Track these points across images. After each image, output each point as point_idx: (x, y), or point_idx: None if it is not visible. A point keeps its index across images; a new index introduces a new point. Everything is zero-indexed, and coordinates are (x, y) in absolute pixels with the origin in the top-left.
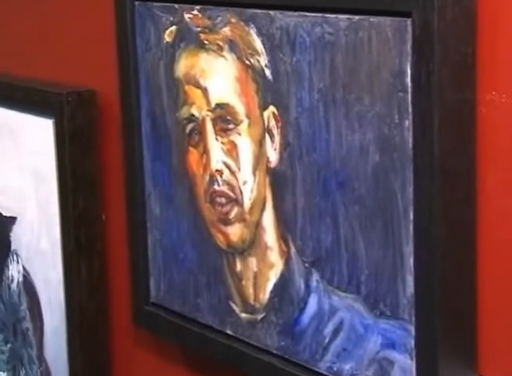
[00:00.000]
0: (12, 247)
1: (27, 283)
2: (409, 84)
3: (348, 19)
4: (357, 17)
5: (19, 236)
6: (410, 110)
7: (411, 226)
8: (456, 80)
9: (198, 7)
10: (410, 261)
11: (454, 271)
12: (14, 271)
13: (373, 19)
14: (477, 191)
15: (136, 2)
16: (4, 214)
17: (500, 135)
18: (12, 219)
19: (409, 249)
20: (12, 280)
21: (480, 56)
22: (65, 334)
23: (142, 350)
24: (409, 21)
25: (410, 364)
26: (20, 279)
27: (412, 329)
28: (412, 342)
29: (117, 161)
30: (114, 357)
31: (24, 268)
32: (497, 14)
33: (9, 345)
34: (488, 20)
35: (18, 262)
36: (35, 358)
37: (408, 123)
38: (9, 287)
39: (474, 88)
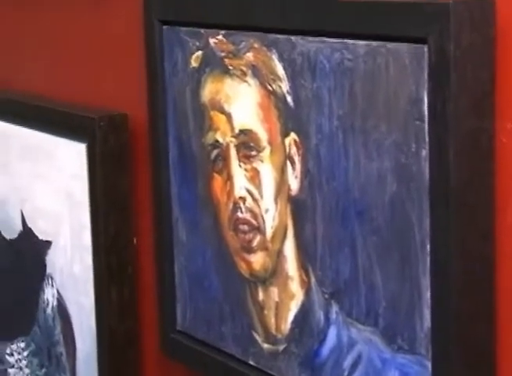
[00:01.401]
0: (48, 271)
1: (61, 308)
2: (426, 112)
3: (367, 45)
4: (375, 43)
5: (54, 261)
6: (427, 139)
7: (428, 259)
8: (473, 108)
9: (223, 32)
10: (427, 294)
11: (471, 305)
12: (49, 295)
13: (390, 45)
14: (495, 224)
15: (164, 27)
16: (40, 237)
17: None
18: (48, 243)
19: (426, 282)
20: (48, 304)
21: (499, 82)
22: (96, 360)
23: None
24: (425, 48)
25: None
26: (55, 303)
27: (429, 365)
28: None
29: (148, 185)
30: None
31: (58, 292)
32: None
33: (43, 370)
34: (507, 46)
35: (53, 286)
36: None
37: (425, 152)
38: (45, 311)
39: (493, 116)
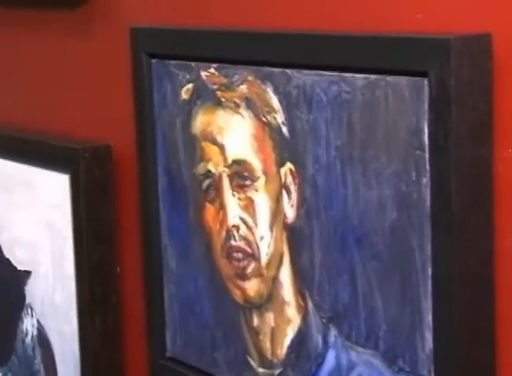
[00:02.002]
0: (27, 301)
1: (42, 337)
2: (427, 142)
3: (365, 78)
4: (374, 76)
5: (34, 290)
6: (428, 167)
7: (429, 282)
8: (473, 138)
9: (215, 65)
10: (429, 317)
11: (473, 327)
12: (28, 325)
13: (389, 78)
14: (495, 247)
15: (153, 60)
16: (19, 268)
17: None
18: (27, 273)
19: (427, 305)
20: (27, 334)
21: (496, 113)
22: None
23: None
24: (425, 81)
25: None
26: (35, 332)
27: None
28: None
29: (131, 215)
30: None
31: (38, 321)
32: None
33: None
34: (504, 79)
35: (32, 316)
36: None
37: (426, 180)
38: (23, 341)
39: (491, 145)
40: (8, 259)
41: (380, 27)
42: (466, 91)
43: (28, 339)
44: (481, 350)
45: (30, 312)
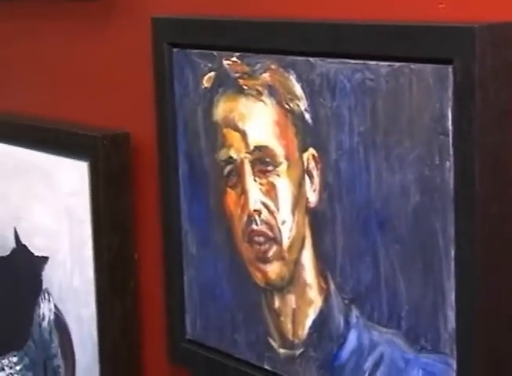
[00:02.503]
0: (44, 286)
1: (59, 321)
2: (450, 127)
3: (389, 65)
4: (398, 64)
5: (51, 276)
6: (451, 152)
7: (452, 264)
8: (495, 124)
9: (237, 54)
10: (452, 297)
11: (495, 306)
12: (45, 309)
13: (413, 66)
14: None
15: (174, 49)
16: (36, 254)
17: None
18: (44, 259)
19: (450, 286)
20: (44, 318)
21: None
22: (98, 371)
23: None
24: (450, 68)
25: None
26: (52, 317)
27: (454, 363)
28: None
29: (149, 202)
30: None
31: (56, 306)
32: None
33: None
34: None
35: (49, 301)
36: None
37: (449, 164)
38: (40, 325)
39: None
40: (24, 245)
41: (400, 15)
42: (490, 78)
43: (45, 323)
44: (502, 329)
45: (47, 297)
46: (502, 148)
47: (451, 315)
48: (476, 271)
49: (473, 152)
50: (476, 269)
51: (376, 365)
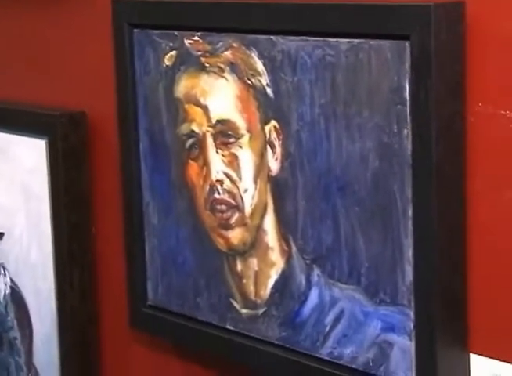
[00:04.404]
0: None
1: (15, 295)
2: (408, 98)
3: (349, 42)
4: (357, 40)
5: (7, 251)
6: (409, 120)
7: (410, 223)
8: (449, 94)
9: (199, 33)
10: (409, 253)
11: (448, 260)
12: (1, 283)
13: (372, 42)
14: (467, 190)
15: (135, 30)
16: None
17: (486, 140)
18: (0, 235)
19: (408, 242)
20: None
21: (468, 72)
22: (56, 340)
23: (137, 353)
24: (407, 43)
25: (409, 345)
26: (7, 291)
27: (411, 313)
28: (412, 325)
29: (107, 178)
30: (107, 360)
31: (12, 280)
32: (483, 37)
33: None
34: (475, 42)
35: (5, 275)
36: (23, 365)
37: (406, 132)
38: None
39: (464, 101)
40: None
41: None
42: (444, 52)
43: (1, 297)
44: (455, 281)
45: (2, 271)
46: (455, 116)
47: (408, 269)
48: (432, 228)
49: (429, 120)
50: (432, 226)
51: (337, 319)
